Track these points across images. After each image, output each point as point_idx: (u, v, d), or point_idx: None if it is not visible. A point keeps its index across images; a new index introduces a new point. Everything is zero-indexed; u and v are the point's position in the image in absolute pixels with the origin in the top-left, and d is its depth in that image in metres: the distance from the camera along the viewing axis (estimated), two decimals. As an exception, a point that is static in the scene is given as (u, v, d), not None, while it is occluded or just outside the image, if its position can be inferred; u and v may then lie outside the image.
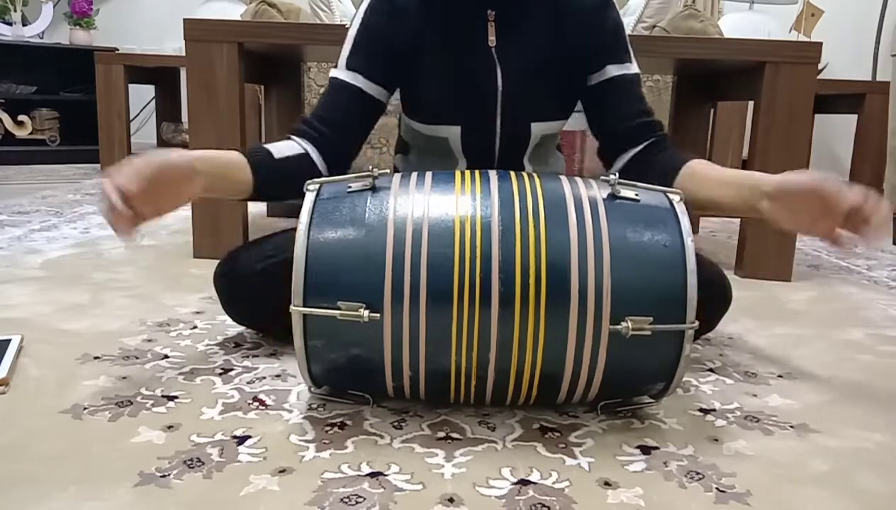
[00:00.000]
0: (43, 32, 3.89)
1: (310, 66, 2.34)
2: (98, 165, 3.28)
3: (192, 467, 0.74)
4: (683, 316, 0.80)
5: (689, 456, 0.81)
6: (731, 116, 3.10)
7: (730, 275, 1.15)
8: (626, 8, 2.54)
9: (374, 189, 0.86)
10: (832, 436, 0.88)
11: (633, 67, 1.12)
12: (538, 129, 1.14)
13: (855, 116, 2.82)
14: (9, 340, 1.04)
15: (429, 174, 0.89)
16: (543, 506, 0.70)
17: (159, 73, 3.61)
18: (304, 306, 0.80)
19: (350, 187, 0.86)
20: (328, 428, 0.84)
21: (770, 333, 1.29)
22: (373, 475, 0.74)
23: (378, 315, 0.78)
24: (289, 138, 1.08)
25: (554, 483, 0.74)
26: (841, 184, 0.88)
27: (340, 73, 1.09)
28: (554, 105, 1.15)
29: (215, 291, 1.10)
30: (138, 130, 4.14)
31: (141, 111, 4.20)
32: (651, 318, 0.79)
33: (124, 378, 0.97)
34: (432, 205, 0.83)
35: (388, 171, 0.88)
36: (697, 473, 0.77)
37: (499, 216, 0.81)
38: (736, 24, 3.46)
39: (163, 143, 3.82)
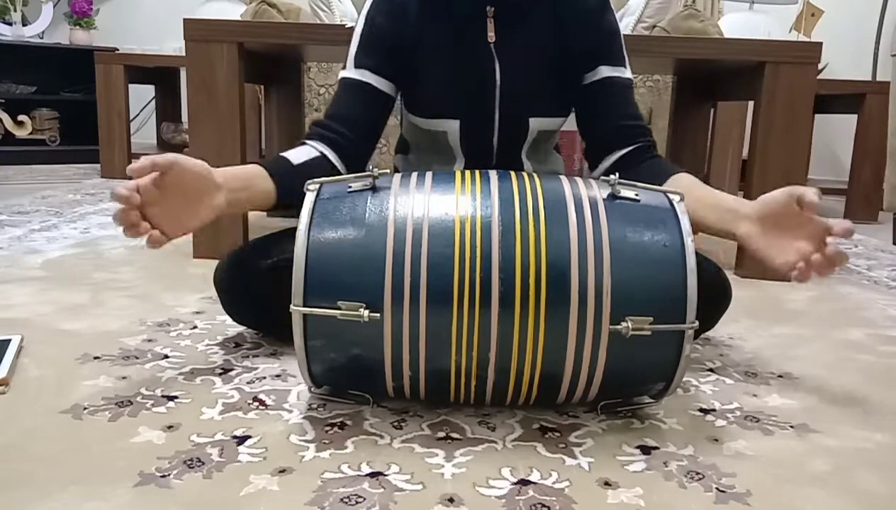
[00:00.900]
0: (43, 32, 3.89)
1: (310, 66, 2.35)
2: (98, 165, 3.28)
3: (192, 467, 0.74)
4: (683, 316, 0.80)
5: (689, 456, 0.81)
6: (731, 116, 3.10)
7: (730, 275, 1.15)
8: (626, 8, 2.54)
9: (374, 189, 0.86)
10: (832, 436, 0.88)
11: (627, 72, 1.14)
12: (536, 124, 1.16)
13: (855, 116, 2.82)
14: (9, 340, 1.04)
15: (429, 174, 0.89)
16: (543, 506, 0.70)
17: (159, 73, 3.61)
18: (305, 306, 0.80)
19: (350, 187, 0.86)
20: (328, 428, 0.84)
21: (770, 333, 1.29)
22: (373, 475, 0.74)
23: (378, 315, 0.78)
24: (303, 144, 1.08)
25: (554, 483, 0.74)
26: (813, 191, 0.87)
27: (350, 72, 1.11)
28: (552, 101, 1.16)
29: (216, 291, 1.10)
30: (138, 130, 4.13)
31: (141, 111, 4.20)
32: (651, 318, 0.79)
33: (124, 378, 0.97)
34: (432, 205, 0.83)
35: (388, 170, 0.88)
36: (697, 473, 0.77)
37: (499, 216, 0.81)
38: (736, 24, 3.46)
39: (163, 143, 3.82)
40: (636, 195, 0.86)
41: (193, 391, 0.94)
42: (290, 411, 0.89)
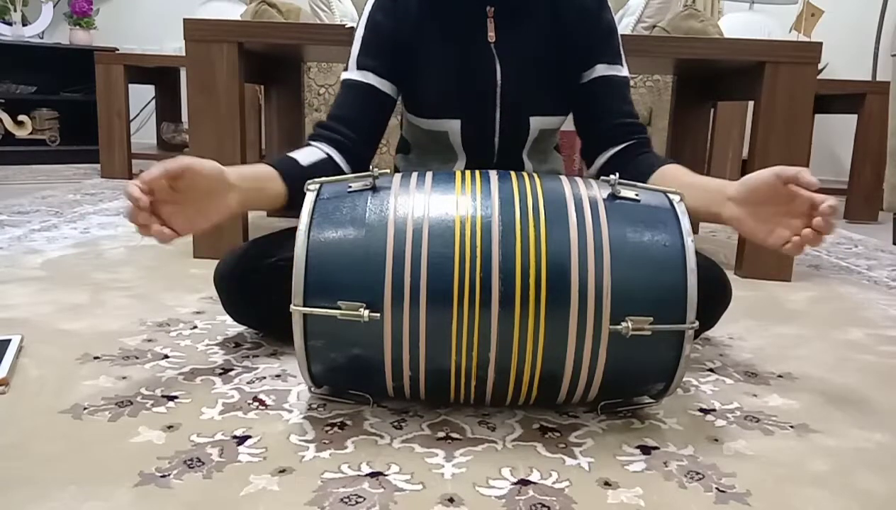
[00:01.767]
0: (43, 32, 3.89)
1: (310, 66, 2.35)
2: (98, 165, 3.28)
3: (192, 467, 0.74)
4: (683, 316, 0.80)
5: (689, 456, 0.81)
6: (731, 116, 3.10)
7: (730, 275, 1.15)
8: (626, 8, 2.54)
9: (374, 189, 0.86)
10: (832, 436, 0.88)
11: (623, 71, 1.15)
12: (537, 123, 1.16)
13: (855, 116, 2.82)
14: (9, 340, 1.04)
15: (429, 174, 0.89)
16: (543, 506, 0.70)
17: (159, 73, 3.61)
18: (305, 306, 0.80)
19: (350, 187, 0.86)
20: (328, 428, 0.84)
21: (770, 333, 1.29)
22: (373, 475, 0.74)
23: (378, 315, 0.78)
24: (308, 145, 1.08)
25: (554, 483, 0.74)
26: (799, 169, 0.88)
27: (352, 73, 1.12)
28: (552, 100, 1.17)
29: (216, 291, 1.10)
30: (138, 130, 4.13)
31: (141, 111, 4.20)
32: (651, 318, 0.79)
33: (124, 378, 0.97)
34: (433, 205, 0.83)
35: (388, 171, 0.88)
36: (697, 473, 0.77)
37: (499, 216, 0.81)
38: (736, 24, 3.46)
39: (163, 143, 3.82)
40: (636, 195, 0.86)
41: (193, 391, 0.94)
42: (290, 411, 0.89)
